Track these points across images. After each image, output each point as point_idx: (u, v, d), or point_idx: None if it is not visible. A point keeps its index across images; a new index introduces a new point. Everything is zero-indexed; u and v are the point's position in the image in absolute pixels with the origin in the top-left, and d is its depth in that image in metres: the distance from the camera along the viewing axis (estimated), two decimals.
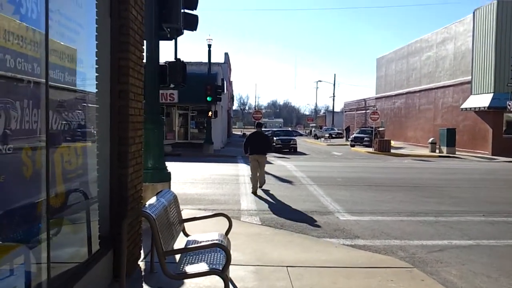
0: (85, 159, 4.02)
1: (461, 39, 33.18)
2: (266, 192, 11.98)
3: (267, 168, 17.43)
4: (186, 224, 4.95)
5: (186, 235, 4.77)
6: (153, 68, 7.64)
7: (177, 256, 5.17)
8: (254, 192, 11.84)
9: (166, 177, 7.79)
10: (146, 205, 3.76)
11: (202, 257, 3.85)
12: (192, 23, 7.77)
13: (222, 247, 3.51)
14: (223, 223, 5.23)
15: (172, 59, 8.07)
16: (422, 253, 6.54)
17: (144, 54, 7.36)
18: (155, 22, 7.43)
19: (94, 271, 3.97)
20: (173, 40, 8.23)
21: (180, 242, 4.77)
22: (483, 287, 5.19)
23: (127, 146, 4.45)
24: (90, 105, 4.15)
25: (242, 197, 10.98)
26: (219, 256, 3.92)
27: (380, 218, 8.97)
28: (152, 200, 4.00)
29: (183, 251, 3.75)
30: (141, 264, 5.08)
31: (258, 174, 12.29)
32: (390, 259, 5.89)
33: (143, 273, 4.84)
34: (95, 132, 4.25)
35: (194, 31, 7.84)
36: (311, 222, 8.44)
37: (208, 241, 4.43)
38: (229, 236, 4.77)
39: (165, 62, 7.99)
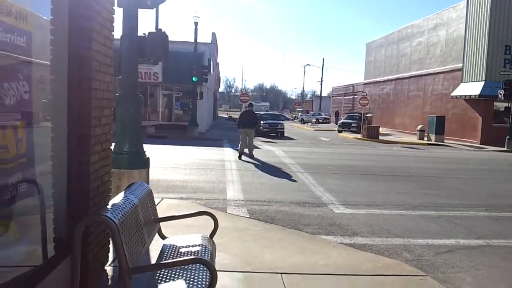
0: (34, 144, 3.17)
1: (453, 26, 32.51)
2: (255, 179, 11.21)
3: (256, 153, 16.75)
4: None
5: (163, 237, 3.95)
6: (130, 39, 6.69)
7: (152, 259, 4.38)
8: (239, 157, 15.53)
9: (143, 163, 6.92)
10: (109, 206, 2.92)
11: (181, 271, 3.05)
12: None
13: (205, 264, 2.70)
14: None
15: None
16: (429, 254, 5.85)
17: (121, 24, 6.46)
18: None
19: (46, 283, 3.15)
20: (154, 9, 7.31)
21: (155, 242, 3.97)
22: None
23: (90, 128, 3.58)
24: (42, 75, 3.29)
25: (228, 185, 10.17)
26: (202, 268, 3.12)
27: (378, 211, 8.28)
28: (118, 198, 3.16)
29: (155, 268, 2.93)
30: (109, 269, 4.26)
31: (246, 144, 15.91)
32: (397, 263, 5.16)
33: (109, 282, 4.02)
34: (50, 111, 3.39)
35: (179, 6, 6.88)
36: (304, 215, 7.69)
37: (189, 246, 3.63)
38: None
39: (144, 33, 7.06)
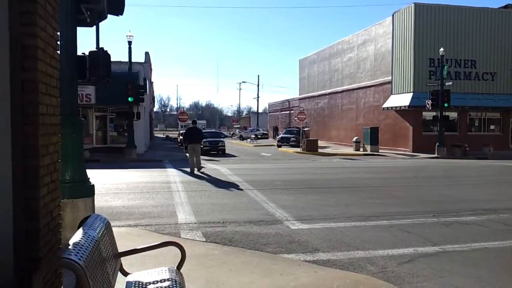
0: None
1: (381, 41, 34.25)
2: (205, 199, 10.85)
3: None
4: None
5: (125, 274, 3.57)
6: (69, 59, 6.22)
7: None
8: (192, 173, 16.46)
9: (88, 192, 6.43)
10: (70, 246, 2.54)
11: None
12: (118, 6, 6.43)
13: None
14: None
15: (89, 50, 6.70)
16: (392, 265, 5.85)
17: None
18: (71, 2, 6.03)
19: None
20: (94, 27, 6.88)
21: (118, 279, 3.57)
22: None
23: (38, 158, 3.16)
24: None
25: (177, 208, 9.75)
26: None
27: (333, 224, 8.26)
28: (78, 236, 2.78)
29: None
30: None
31: (194, 160, 16.91)
32: (367, 278, 5.10)
33: None
34: None
35: (121, 15, 6.51)
36: (261, 234, 7.48)
37: (157, 282, 3.30)
38: (172, 259, 3.66)
39: (83, 53, 6.61)
